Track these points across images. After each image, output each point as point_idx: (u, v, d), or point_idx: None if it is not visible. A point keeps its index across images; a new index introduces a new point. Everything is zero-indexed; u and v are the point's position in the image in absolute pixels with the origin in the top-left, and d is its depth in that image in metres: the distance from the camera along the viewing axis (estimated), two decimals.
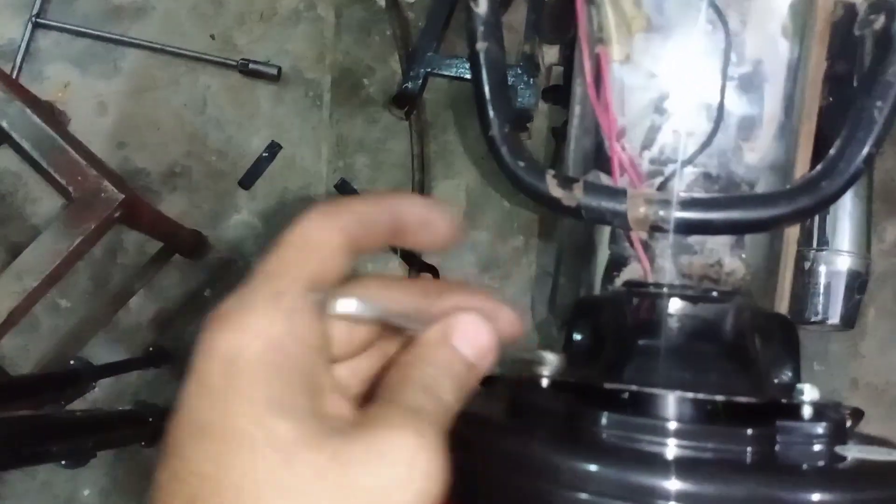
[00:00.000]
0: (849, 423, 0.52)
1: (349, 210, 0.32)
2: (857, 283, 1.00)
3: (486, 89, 0.50)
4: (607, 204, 0.46)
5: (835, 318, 1.01)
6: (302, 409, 0.27)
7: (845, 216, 0.98)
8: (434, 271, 1.26)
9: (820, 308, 1.00)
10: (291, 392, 0.27)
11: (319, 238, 0.31)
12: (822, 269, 0.99)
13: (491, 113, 0.49)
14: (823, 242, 0.98)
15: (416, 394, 0.29)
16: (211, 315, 0.28)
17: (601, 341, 0.46)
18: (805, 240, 0.98)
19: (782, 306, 0.53)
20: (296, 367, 0.28)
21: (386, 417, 0.28)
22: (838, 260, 0.99)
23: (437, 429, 0.28)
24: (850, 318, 1.01)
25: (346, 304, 0.29)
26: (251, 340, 0.27)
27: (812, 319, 1.01)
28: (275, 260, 0.30)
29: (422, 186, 1.26)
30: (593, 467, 0.34)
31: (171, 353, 1.21)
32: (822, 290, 1.00)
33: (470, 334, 0.31)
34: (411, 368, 0.30)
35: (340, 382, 0.33)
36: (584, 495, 0.34)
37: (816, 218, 0.98)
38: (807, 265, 0.99)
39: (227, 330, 0.28)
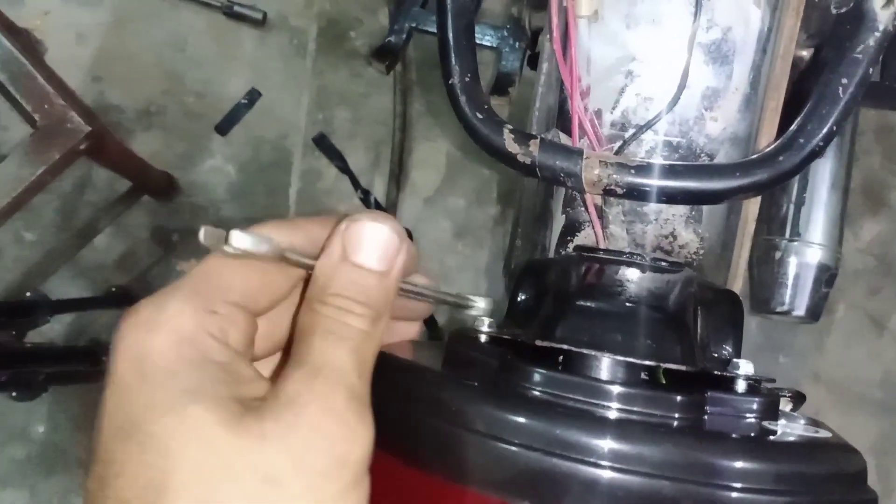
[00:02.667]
0: (790, 406, 0.52)
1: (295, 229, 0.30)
2: (826, 277, 1.00)
3: (450, 35, 0.48)
4: (562, 163, 0.44)
5: (800, 310, 1.01)
6: (216, 395, 0.26)
7: (820, 208, 0.97)
8: (407, 234, 1.25)
9: (787, 299, 1.00)
10: (205, 382, 0.27)
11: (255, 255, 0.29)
12: (792, 259, 0.98)
13: (453, 60, 0.48)
14: (795, 233, 0.98)
15: (322, 346, 0.28)
16: (123, 314, 0.28)
17: (544, 302, 0.45)
18: (777, 229, 0.98)
19: (735, 285, 0.53)
20: (209, 360, 0.27)
21: (293, 387, 0.27)
22: (809, 252, 0.98)
23: (348, 381, 0.28)
24: (816, 310, 1.01)
25: (240, 239, 0.28)
26: (163, 338, 0.27)
27: (778, 309, 1.01)
28: (200, 268, 0.29)
29: (402, 146, 1.24)
30: (518, 418, 0.34)
31: (133, 294, 1.20)
32: (790, 280, 0.99)
33: (368, 240, 0.29)
34: (313, 311, 0.29)
35: (265, 341, 0.32)
36: (505, 446, 0.34)
37: (790, 208, 0.97)
38: (777, 255, 0.98)
39: (138, 329, 0.27)
